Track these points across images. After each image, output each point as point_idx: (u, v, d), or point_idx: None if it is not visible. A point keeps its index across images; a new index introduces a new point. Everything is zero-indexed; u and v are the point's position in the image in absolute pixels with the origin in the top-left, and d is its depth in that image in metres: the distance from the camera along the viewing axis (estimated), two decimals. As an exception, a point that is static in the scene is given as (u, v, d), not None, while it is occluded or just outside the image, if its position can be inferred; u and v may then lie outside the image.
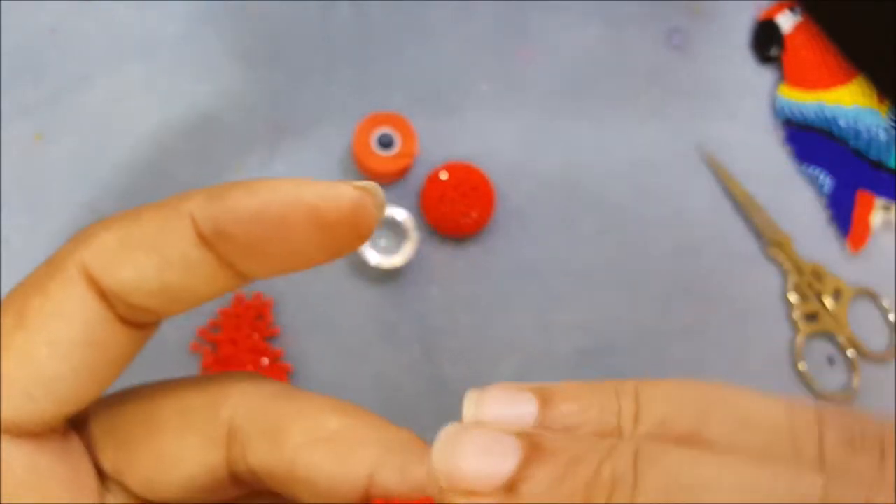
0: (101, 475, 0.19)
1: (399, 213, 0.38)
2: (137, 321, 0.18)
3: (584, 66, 0.43)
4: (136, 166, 0.39)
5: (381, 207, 0.18)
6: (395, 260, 0.38)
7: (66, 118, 0.40)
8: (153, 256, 0.17)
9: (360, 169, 0.40)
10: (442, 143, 0.41)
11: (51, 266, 0.17)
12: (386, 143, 0.39)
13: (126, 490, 0.19)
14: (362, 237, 0.17)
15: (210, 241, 0.17)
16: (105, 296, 0.17)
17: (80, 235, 0.17)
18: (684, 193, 0.42)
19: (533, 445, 0.15)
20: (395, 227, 0.39)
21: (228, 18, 0.42)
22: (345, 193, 0.17)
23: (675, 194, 0.42)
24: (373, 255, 0.38)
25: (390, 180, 0.40)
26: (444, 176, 0.39)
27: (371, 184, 0.17)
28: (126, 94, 0.40)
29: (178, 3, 0.42)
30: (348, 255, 0.39)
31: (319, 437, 0.18)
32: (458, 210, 0.39)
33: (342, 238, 0.17)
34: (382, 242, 0.39)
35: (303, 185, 0.17)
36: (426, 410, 0.38)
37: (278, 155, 0.40)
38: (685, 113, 0.43)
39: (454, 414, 0.41)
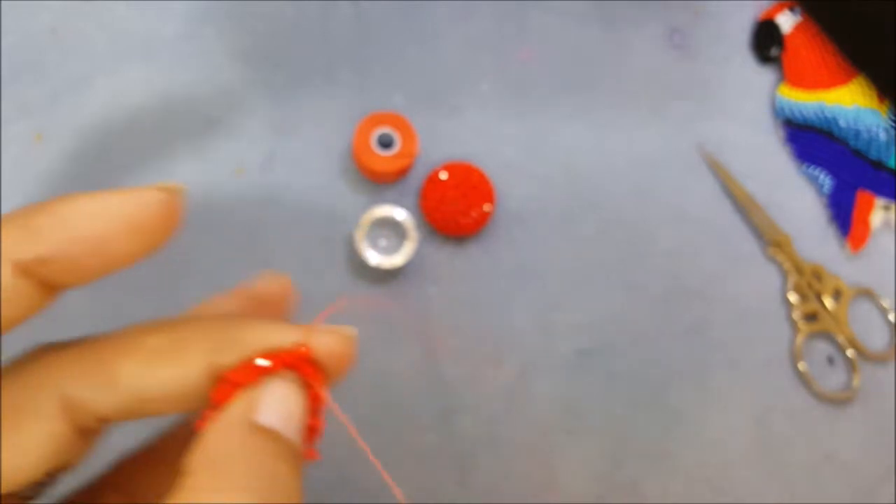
0: None
1: (399, 213, 0.38)
2: None
3: (584, 67, 0.43)
4: (136, 166, 0.39)
5: (184, 201, 0.19)
6: (395, 260, 0.38)
7: (66, 118, 0.40)
8: None
9: (359, 168, 0.40)
10: (442, 143, 0.41)
11: None
12: (386, 143, 0.39)
13: None
14: (171, 232, 0.19)
15: (29, 270, 0.17)
16: None
17: None
18: (684, 193, 0.42)
19: None
20: (395, 227, 0.39)
21: (228, 18, 0.42)
22: (154, 197, 0.18)
23: (675, 194, 0.42)
24: (373, 255, 0.38)
25: (390, 180, 0.40)
26: (444, 176, 0.39)
27: (173, 183, 0.19)
28: (126, 94, 0.40)
29: (178, 3, 0.42)
30: (349, 256, 0.39)
31: (144, 357, 0.19)
32: (458, 210, 0.39)
33: (154, 236, 0.18)
34: (382, 242, 0.39)
35: (109, 196, 0.18)
36: (426, 410, 0.38)
37: (278, 155, 0.40)
38: (685, 113, 0.43)
39: (454, 413, 0.42)
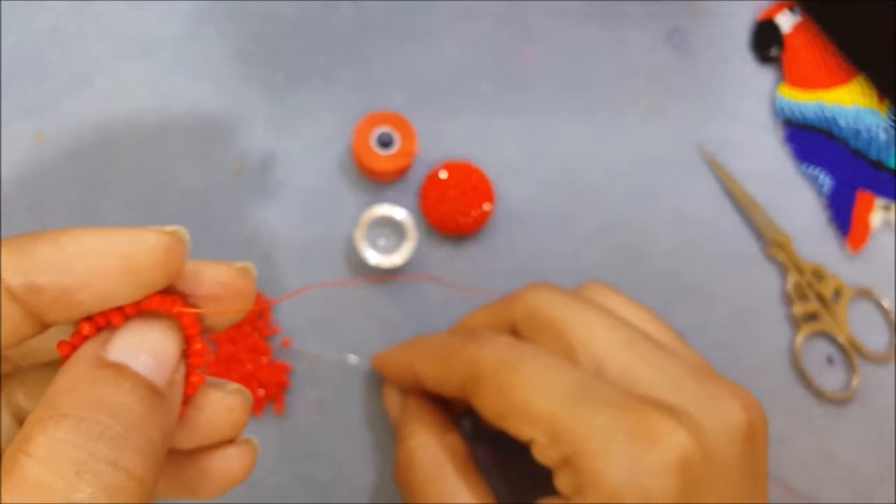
0: None
1: (399, 213, 0.38)
2: None
3: (584, 67, 0.43)
4: (136, 166, 0.40)
5: (188, 247, 0.19)
6: (394, 259, 0.38)
7: (66, 118, 0.40)
8: None
9: (359, 168, 0.40)
10: (442, 142, 0.41)
11: None
12: (386, 142, 0.39)
13: None
14: (171, 277, 0.19)
15: (18, 295, 0.17)
16: None
17: None
18: (684, 193, 0.42)
19: None
20: (394, 227, 0.39)
21: (228, 18, 0.42)
22: (156, 240, 0.18)
23: (675, 194, 0.42)
24: (373, 255, 0.38)
25: (389, 179, 0.40)
26: (443, 175, 0.39)
27: (178, 228, 0.18)
28: (126, 94, 0.40)
29: (179, 3, 0.42)
30: (348, 255, 0.39)
31: None
32: (457, 209, 0.39)
33: (151, 281, 0.18)
34: (382, 242, 0.39)
35: (111, 235, 0.18)
36: (426, 410, 0.38)
37: (278, 155, 0.40)
38: (685, 113, 0.43)
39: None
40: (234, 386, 0.21)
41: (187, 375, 0.19)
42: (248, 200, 0.40)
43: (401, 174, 0.40)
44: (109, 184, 0.39)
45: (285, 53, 0.42)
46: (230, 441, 0.21)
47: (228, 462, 0.21)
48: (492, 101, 0.42)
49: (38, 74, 0.40)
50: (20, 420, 0.21)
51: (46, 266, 0.17)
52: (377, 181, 0.40)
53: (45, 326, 0.18)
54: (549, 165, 0.42)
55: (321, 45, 0.42)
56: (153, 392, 0.18)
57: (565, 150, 0.42)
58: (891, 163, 0.42)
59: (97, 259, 0.17)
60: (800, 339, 0.40)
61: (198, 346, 0.19)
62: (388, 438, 0.37)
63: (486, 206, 0.39)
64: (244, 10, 0.42)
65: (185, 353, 0.19)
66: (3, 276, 0.17)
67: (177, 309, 0.19)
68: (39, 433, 0.16)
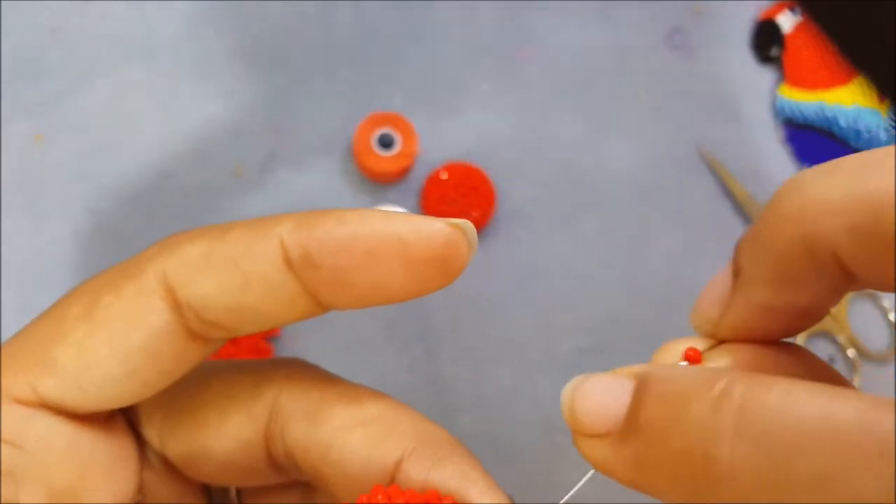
0: (144, 447, 0.19)
1: (399, 213, 0.38)
2: (205, 335, 0.17)
3: (584, 66, 0.43)
4: (136, 166, 0.40)
5: (473, 247, 0.17)
6: (395, 260, 0.38)
7: (66, 118, 0.40)
8: (235, 275, 0.17)
9: (360, 169, 0.40)
10: (442, 143, 0.41)
11: (131, 267, 0.17)
12: (386, 143, 0.39)
13: (167, 465, 0.19)
14: (450, 277, 0.17)
15: (296, 266, 0.17)
16: (179, 308, 0.17)
17: (164, 242, 0.17)
18: (684, 193, 0.42)
19: (642, 379, 0.16)
20: (395, 227, 0.39)
21: (228, 18, 0.42)
22: (437, 230, 0.17)
23: (675, 194, 0.42)
24: (373, 255, 0.38)
25: (390, 180, 0.40)
26: (444, 176, 0.39)
27: (464, 222, 0.17)
28: (126, 94, 0.40)
29: (178, 3, 0.42)
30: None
31: (357, 420, 0.19)
32: (458, 210, 0.39)
33: (428, 276, 0.17)
34: (383, 242, 0.39)
35: (394, 218, 0.17)
36: (427, 410, 0.38)
37: (278, 155, 0.40)
38: (685, 113, 0.43)
39: (455, 413, 0.41)
40: None
41: None
42: (248, 201, 0.40)
43: (402, 175, 0.40)
44: (109, 184, 0.39)
45: (285, 53, 0.42)
46: None
47: None
48: (492, 101, 0.42)
49: (38, 74, 0.40)
50: None
51: (326, 241, 0.16)
52: (378, 182, 0.40)
53: (321, 309, 0.18)
54: (549, 165, 0.42)
55: (321, 46, 0.42)
56: None
57: (565, 150, 0.42)
58: (891, 163, 0.42)
59: (376, 241, 0.16)
60: (801, 339, 0.40)
61: None
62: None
63: (487, 207, 0.39)
64: (244, 11, 0.42)
65: None
66: (285, 243, 0.16)
67: None
68: None
